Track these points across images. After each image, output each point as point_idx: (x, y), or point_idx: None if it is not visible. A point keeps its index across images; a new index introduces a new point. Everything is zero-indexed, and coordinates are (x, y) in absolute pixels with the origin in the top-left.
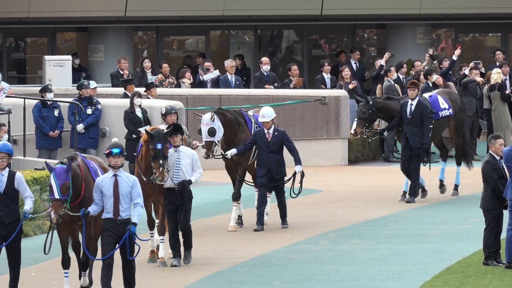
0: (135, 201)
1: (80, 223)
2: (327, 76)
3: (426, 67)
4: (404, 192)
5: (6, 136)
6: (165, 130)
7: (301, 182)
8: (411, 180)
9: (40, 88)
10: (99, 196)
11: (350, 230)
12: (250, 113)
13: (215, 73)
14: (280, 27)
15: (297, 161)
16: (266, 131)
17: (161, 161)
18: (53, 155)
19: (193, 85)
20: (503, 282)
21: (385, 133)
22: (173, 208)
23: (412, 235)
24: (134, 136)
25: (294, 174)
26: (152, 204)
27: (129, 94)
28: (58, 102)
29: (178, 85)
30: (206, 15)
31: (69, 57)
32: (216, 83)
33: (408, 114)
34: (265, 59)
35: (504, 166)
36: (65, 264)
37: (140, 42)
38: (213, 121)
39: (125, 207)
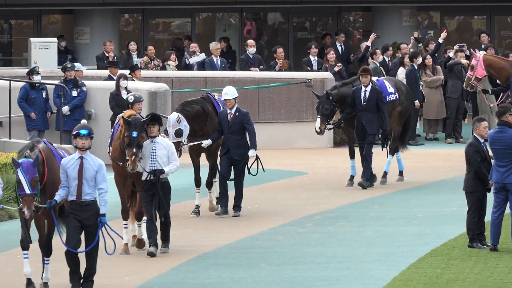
0: (100, 185)
1: (46, 213)
2: (313, 59)
3: (411, 50)
4: (351, 177)
5: None
6: (143, 119)
7: (258, 164)
8: (363, 165)
9: (28, 70)
10: (65, 177)
11: (336, 212)
12: (217, 96)
13: (201, 56)
14: (266, 10)
15: (252, 146)
16: (228, 111)
17: (134, 150)
18: (43, 136)
19: (178, 68)
20: (488, 265)
21: (342, 124)
22: (150, 197)
23: (398, 217)
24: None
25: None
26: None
27: (114, 77)
28: (44, 84)
29: (163, 68)
30: None
31: (55, 39)
32: (201, 65)
33: (362, 100)
34: (250, 41)
35: (488, 149)
36: (25, 245)
37: (126, 24)
38: (179, 122)
39: (88, 191)
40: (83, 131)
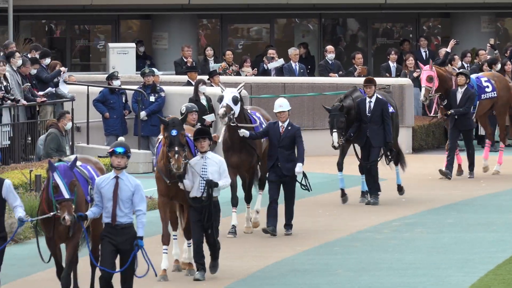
0: (137, 207)
1: (74, 231)
2: (392, 65)
3: (489, 57)
4: (363, 192)
5: (70, 124)
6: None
7: (305, 181)
8: (367, 179)
9: (107, 75)
10: (99, 197)
11: (413, 218)
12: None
13: (280, 61)
14: (344, 16)
15: (299, 160)
16: (280, 124)
17: (176, 148)
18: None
19: (257, 74)
20: None
21: (352, 137)
22: (198, 216)
23: (475, 224)
24: (199, 124)
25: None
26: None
27: (192, 82)
28: (123, 89)
29: (238, 74)
30: (270, 3)
31: (133, 44)
32: (280, 71)
33: (367, 112)
34: (330, 47)
35: None
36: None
37: (204, 29)
38: (239, 92)
39: (125, 212)
40: (119, 149)
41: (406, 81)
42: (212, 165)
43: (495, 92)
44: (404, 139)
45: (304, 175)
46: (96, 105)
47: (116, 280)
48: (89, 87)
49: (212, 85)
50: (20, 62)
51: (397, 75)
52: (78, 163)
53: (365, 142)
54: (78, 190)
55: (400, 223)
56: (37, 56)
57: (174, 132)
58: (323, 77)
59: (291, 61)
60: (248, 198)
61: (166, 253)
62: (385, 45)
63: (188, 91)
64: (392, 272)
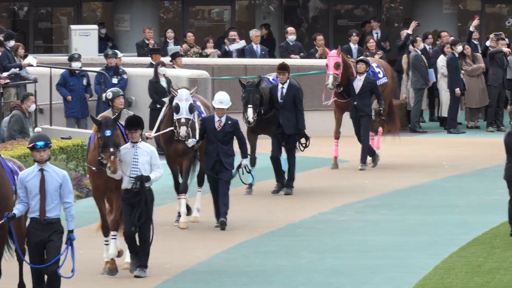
0: (66, 199)
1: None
2: (354, 46)
3: (452, 38)
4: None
5: (33, 106)
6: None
7: (249, 172)
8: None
9: (68, 56)
10: (24, 192)
11: (377, 200)
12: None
13: (241, 43)
14: None
15: (245, 154)
16: (217, 118)
17: (111, 149)
18: (81, 123)
19: (218, 55)
20: None
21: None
22: (131, 209)
23: (439, 206)
24: (158, 106)
25: (240, 166)
26: (107, 203)
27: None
28: (85, 71)
29: (201, 55)
30: None
31: (95, 26)
32: (241, 53)
33: (279, 98)
34: (290, 28)
35: None
36: None
37: (166, 12)
38: (192, 96)
39: (52, 206)
40: (40, 143)
41: None
42: (143, 154)
43: (385, 78)
44: None
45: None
46: (58, 89)
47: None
48: (52, 69)
49: (174, 67)
50: None
51: (358, 57)
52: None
53: (276, 128)
54: (1, 182)
55: (364, 205)
56: (1, 38)
57: (108, 133)
58: (284, 59)
59: (252, 43)
60: (184, 188)
61: (108, 244)
62: (347, 27)
63: (150, 73)
64: (356, 254)
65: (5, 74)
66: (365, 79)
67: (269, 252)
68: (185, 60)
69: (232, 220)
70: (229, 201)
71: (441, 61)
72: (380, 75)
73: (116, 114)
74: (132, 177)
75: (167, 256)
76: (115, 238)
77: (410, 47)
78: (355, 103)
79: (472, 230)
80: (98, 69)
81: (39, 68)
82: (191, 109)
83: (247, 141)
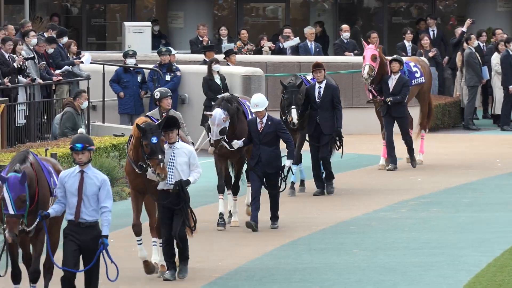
0: (103, 204)
1: (35, 233)
2: (408, 44)
3: (506, 36)
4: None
5: (86, 103)
6: (157, 122)
7: (285, 178)
8: (325, 170)
9: (122, 53)
10: (63, 192)
11: (429, 198)
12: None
13: (295, 40)
14: None
15: (290, 155)
16: (258, 120)
17: (160, 156)
18: (135, 120)
19: (273, 52)
20: None
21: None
22: (169, 214)
23: (492, 203)
24: (212, 103)
25: (286, 170)
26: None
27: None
28: (141, 68)
29: (259, 52)
30: None
31: (149, 23)
32: (295, 50)
33: (317, 98)
34: (345, 26)
35: None
36: (16, 279)
37: (220, 9)
38: (225, 121)
39: (90, 209)
40: (78, 146)
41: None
42: (181, 155)
43: (423, 78)
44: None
45: (289, 170)
46: (111, 85)
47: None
48: (105, 66)
49: (228, 64)
50: (35, 41)
51: (413, 55)
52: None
53: (314, 129)
54: (42, 184)
55: (416, 203)
56: (54, 35)
57: (154, 140)
58: (338, 56)
59: (307, 40)
60: (236, 189)
61: (141, 243)
62: (401, 25)
63: (204, 70)
64: (408, 251)
65: (58, 71)
66: (399, 78)
67: (322, 250)
68: (239, 57)
69: (284, 218)
70: (278, 202)
71: (495, 58)
72: (418, 74)
73: (164, 115)
74: (170, 182)
75: (218, 254)
76: (155, 245)
77: (465, 44)
78: (387, 100)
79: None
80: (151, 66)
81: (92, 65)
82: (222, 132)
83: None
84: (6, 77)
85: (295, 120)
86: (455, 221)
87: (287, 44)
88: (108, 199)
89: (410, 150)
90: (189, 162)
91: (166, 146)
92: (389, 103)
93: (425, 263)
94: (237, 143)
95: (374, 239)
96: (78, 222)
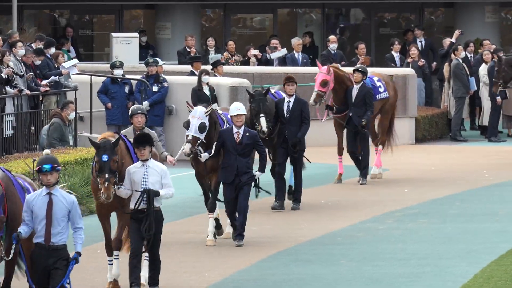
0: (76, 225)
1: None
2: (396, 55)
3: (494, 46)
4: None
5: (73, 114)
6: (113, 140)
7: (258, 186)
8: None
9: (110, 64)
10: (30, 216)
11: (416, 209)
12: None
13: (283, 51)
14: (348, 5)
15: (262, 169)
16: (235, 130)
17: (106, 175)
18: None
19: (260, 63)
20: None
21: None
22: (138, 228)
23: (479, 214)
24: None
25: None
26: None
27: (196, 72)
28: (128, 79)
29: (246, 62)
30: None
31: (136, 34)
32: (283, 61)
33: (285, 112)
34: (332, 37)
35: None
36: None
37: (208, 20)
38: (207, 116)
39: (59, 231)
40: (46, 166)
41: (409, 71)
42: (154, 174)
43: (387, 93)
44: (407, 129)
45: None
46: (99, 97)
47: None
48: (92, 76)
49: (215, 75)
50: (22, 51)
51: (401, 65)
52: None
53: (282, 142)
54: (12, 201)
55: (403, 214)
56: (42, 46)
57: (105, 158)
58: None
59: (294, 51)
60: (212, 207)
61: (112, 263)
62: (388, 35)
63: (191, 81)
64: (395, 262)
65: (45, 81)
66: (361, 88)
67: (308, 261)
68: (226, 68)
69: (271, 229)
70: (246, 219)
71: (483, 69)
72: (381, 89)
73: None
74: (139, 191)
75: (205, 265)
76: (117, 258)
77: (452, 55)
78: (362, 123)
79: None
80: (138, 77)
81: (80, 76)
82: (202, 128)
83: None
84: None
85: (264, 129)
86: (442, 232)
87: (274, 55)
88: (80, 219)
89: (365, 169)
90: (161, 181)
91: (138, 164)
92: (363, 125)
93: (412, 274)
94: (205, 156)
95: (360, 250)
96: (48, 245)
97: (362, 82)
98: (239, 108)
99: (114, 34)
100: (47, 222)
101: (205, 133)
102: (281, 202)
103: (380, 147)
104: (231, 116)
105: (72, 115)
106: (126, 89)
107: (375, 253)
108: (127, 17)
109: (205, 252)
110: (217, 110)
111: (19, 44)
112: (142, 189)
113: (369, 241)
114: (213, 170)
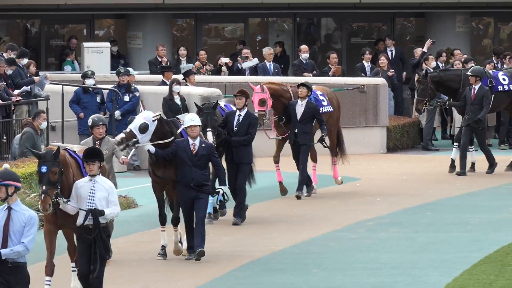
0: (23, 239)
1: None
2: (367, 65)
3: (465, 56)
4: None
5: (45, 123)
6: (59, 148)
7: (225, 202)
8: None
9: (81, 74)
10: None
11: (388, 218)
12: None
13: (254, 61)
14: (319, 15)
15: (223, 181)
16: (191, 141)
17: (44, 187)
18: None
19: (231, 73)
20: None
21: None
22: (85, 248)
23: (451, 223)
24: None
25: (218, 194)
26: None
27: (167, 82)
28: (99, 89)
29: (217, 72)
30: (245, 2)
31: (108, 44)
32: (254, 70)
33: (234, 125)
34: (304, 46)
35: None
36: None
37: (179, 29)
38: (154, 121)
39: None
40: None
41: (380, 80)
42: (101, 190)
43: (330, 107)
44: (379, 139)
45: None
46: (71, 106)
47: None
48: (64, 86)
49: (187, 85)
50: None
51: (372, 75)
52: None
53: (231, 158)
54: None
55: (375, 223)
56: (13, 56)
57: (44, 169)
58: (297, 77)
59: (265, 61)
60: (176, 221)
61: (49, 285)
62: (360, 45)
63: (163, 90)
64: (367, 271)
65: (16, 91)
66: (307, 104)
67: (281, 270)
68: (197, 77)
69: (244, 238)
70: (205, 230)
71: None
72: (324, 103)
73: (97, 144)
74: (84, 210)
75: (177, 275)
76: (74, 271)
77: (423, 65)
78: (296, 130)
79: (484, 247)
80: (110, 86)
81: (51, 85)
82: (143, 128)
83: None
84: None
85: (211, 143)
86: (414, 241)
87: (246, 65)
88: (30, 236)
89: (301, 184)
90: (108, 197)
91: (86, 178)
92: (324, 139)
93: (384, 284)
94: (149, 146)
95: (333, 259)
96: (4, 260)
97: (306, 98)
98: (193, 119)
99: (85, 44)
100: (3, 237)
101: (144, 136)
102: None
103: (334, 158)
104: (185, 127)
105: (43, 125)
106: (98, 99)
107: (347, 263)
108: (98, 26)
109: (177, 262)
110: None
111: None
112: (87, 207)
113: (342, 250)
114: (172, 182)
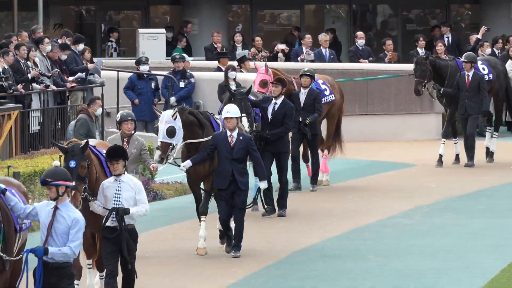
0: (69, 243)
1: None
2: (421, 51)
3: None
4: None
5: (100, 109)
6: (83, 144)
7: (256, 198)
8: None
9: (135, 60)
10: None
11: (443, 204)
12: (218, 116)
13: (311, 56)
14: (375, 2)
15: (263, 176)
16: (228, 133)
17: (73, 183)
18: (149, 127)
19: (287, 59)
20: None
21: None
22: (111, 246)
23: (506, 209)
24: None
25: (259, 191)
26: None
27: (223, 68)
28: (154, 75)
29: (273, 58)
30: None
31: (163, 30)
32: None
33: (270, 114)
34: (360, 33)
35: None
36: None
37: (234, 16)
38: (174, 119)
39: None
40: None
41: None
42: (127, 190)
43: (332, 96)
44: (434, 125)
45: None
46: (126, 93)
47: None
48: (119, 72)
49: (242, 71)
50: (49, 48)
51: None
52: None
53: (267, 149)
54: (8, 221)
55: (430, 209)
56: (68, 42)
57: (72, 164)
58: (353, 63)
59: (321, 47)
60: (204, 210)
61: (77, 284)
62: (415, 31)
63: (218, 77)
64: (422, 257)
65: (71, 78)
66: (309, 92)
67: (335, 256)
68: (253, 64)
69: (297, 224)
70: (243, 228)
71: (509, 65)
72: (327, 92)
73: (125, 140)
74: (108, 209)
75: (233, 259)
76: (102, 278)
77: (478, 52)
78: (300, 119)
79: None
80: (165, 72)
81: (106, 71)
82: (170, 132)
83: None
84: (20, 84)
85: (246, 129)
86: (470, 227)
87: (308, 58)
88: (77, 240)
89: (316, 174)
90: (135, 196)
91: (111, 179)
92: (306, 123)
93: (440, 269)
94: (184, 166)
95: (388, 245)
96: (45, 262)
97: (310, 87)
98: (229, 111)
99: (140, 30)
100: (46, 235)
101: (176, 137)
102: (270, 207)
103: (325, 152)
104: (222, 118)
105: (98, 111)
106: (153, 85)
107: (402, 248)
108: (153, 13)
109: (221, 255)
110: (213, 115)
111: (46, 40)
112: (116, 205)
113: (397, 236)
114: (206, 176)
